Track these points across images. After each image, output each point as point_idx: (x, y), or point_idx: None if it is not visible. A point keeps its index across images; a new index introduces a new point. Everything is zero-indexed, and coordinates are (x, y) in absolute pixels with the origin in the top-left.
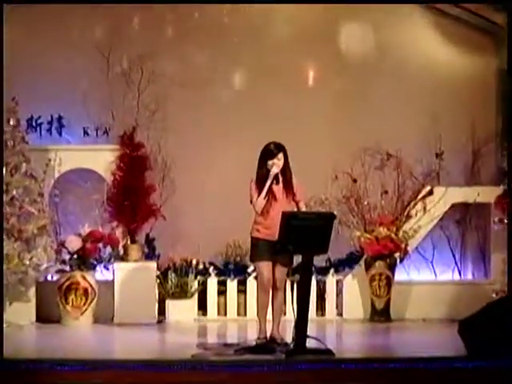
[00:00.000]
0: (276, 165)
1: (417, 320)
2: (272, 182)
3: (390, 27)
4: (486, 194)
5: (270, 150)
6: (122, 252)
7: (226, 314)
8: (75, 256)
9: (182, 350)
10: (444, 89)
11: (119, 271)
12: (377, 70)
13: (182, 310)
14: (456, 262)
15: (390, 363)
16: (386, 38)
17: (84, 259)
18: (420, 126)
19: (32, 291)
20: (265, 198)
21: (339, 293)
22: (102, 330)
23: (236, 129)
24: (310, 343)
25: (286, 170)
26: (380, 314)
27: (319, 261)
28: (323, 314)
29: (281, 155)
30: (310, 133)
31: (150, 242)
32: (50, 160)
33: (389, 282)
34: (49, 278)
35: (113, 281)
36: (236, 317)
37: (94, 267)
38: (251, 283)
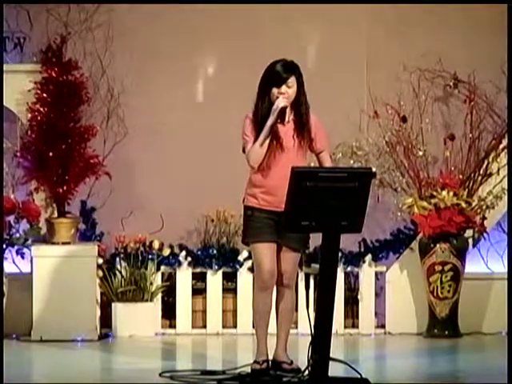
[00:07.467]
0: (285, 95)
1: (498, 334)
2: (276, 121)
3: None
4: None
5: (277, 74)
6: (44, 230)
7: (205, 326)
8: None
9: (137, 381)
10: None
11: (40, 259)
12: None
13: (137, 320)
14: None
15: None
16: None
17: None
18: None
19: None
20: (261, 145)
21: (380, 292)
22: (11, 350)
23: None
24: (335, 369)
25: (299, 103)
26: (443, 326)
27: (349, 243)
28: (355, 326)
29: (292, 80)
30: (335, 44)
31: (87, 213)
32: None
33: (456, 277)
34: None
35: (30, 274)
36: (221, 329)
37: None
38: (244, 277)
